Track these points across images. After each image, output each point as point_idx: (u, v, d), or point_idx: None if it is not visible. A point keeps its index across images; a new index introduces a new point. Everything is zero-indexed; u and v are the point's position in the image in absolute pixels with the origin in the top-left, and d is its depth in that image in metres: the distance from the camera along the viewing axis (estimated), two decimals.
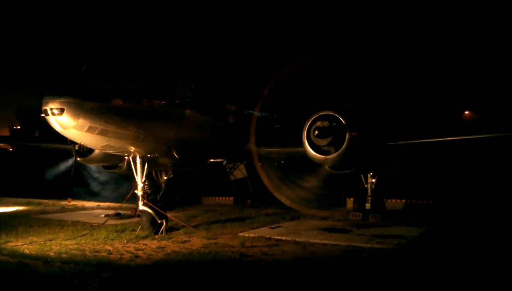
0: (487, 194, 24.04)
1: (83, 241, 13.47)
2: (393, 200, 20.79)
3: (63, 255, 11.61)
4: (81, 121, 11.74)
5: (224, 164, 21.49)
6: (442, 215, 18.06)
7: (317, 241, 13.33)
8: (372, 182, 17.60)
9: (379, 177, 17.55)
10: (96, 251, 12.08)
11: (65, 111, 11.49)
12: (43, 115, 11.89)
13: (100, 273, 9.51)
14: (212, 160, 18.78)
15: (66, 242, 13.42)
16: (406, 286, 8.85)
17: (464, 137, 16.06)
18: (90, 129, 12.02)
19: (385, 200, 19.13)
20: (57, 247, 12.63)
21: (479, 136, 16.06)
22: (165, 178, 20.62)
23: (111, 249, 12.34)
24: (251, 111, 16.89)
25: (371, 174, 17.56)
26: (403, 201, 20.97)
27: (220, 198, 24.44)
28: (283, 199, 17.49)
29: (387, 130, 16.61)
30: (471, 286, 8.75)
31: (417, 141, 16.47)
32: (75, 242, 13.42)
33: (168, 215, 15.27)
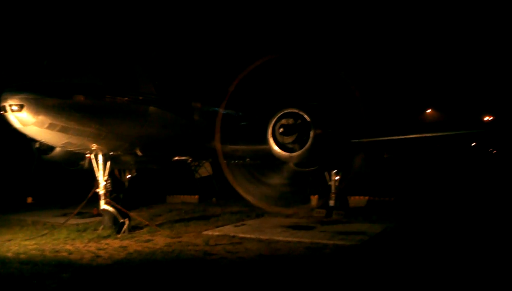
0: (447, 190, 24.73)
1: (43, 241, 13.17)
2: (357, 197, 21.06)
3: (22, 256, 11.33)
4: (41, 118, 11.46)
5: (189, 161, 21.31)
6: (404, 212, 18.40)
7: (281, 238, 13.38)
8: (336, 179, 17.79)
9: (343, 174, 17.76)
10: (56, 251, 11.82)
11: (24, 108, 11.21)
12: (1, 112, 11.52)
13: (60, 274, 9.32)
14: (176, 158, 18.59)
15: (25, 242, 13.10)
16: (367, 281, 8.98)
17: (424, 135, 16.42)
18: (50, 127, 11.73)
19: (348, 197, 19.35)
20: (16, 247, 12.32)
21: (438, 134, 16.45)
22: (128, 176, 20.30)
23: (72, 249, 12.10)
24: (217, 109, 16.80)
25: (335, 171, 17.75)
26: (366, 198, 21.27)
27: (185, 196, 24.23)
28: (248, 197, 17.48)
29: (350, 128, 16.80)
30: (429, 280, 8.94)
31: (380, 139, 16.74)
32: (34, 242, 13.11)
33: (131, 214, 15.07)
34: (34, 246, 12.46)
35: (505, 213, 17.48)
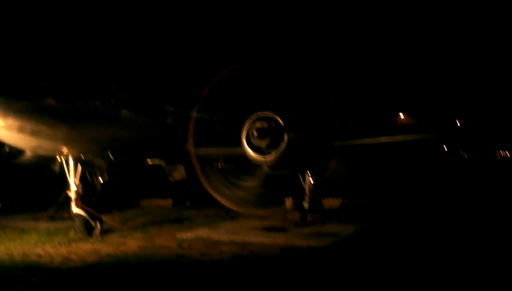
0: (418, 193, 25.13)
1: (12, 246, 12.91)
2: (330, 199, 21.24)
3: None
4: (10, 121, 11.27)
5: (162, 165, 21.19)
6: (376, 214, 18.63)
7: (255, 240, 13.40)
8: (310, 182, 17.91)
9: (317, 177, 17.89)
10: (26, 255, 11.62)
11: None
12: None
13: (29, 277, 9.15)
14: (150, 161, 18.48)
15: None
16: (338, 280, 9.08)
17: (395, 139, 16.70)
18: (20, 130, 11.54)
19: (322, 199, 19.50)
20: None
21: (409, 137, 16.75)
22: (101, 179, 20.07)
23: (42, 253, 11.90)
24: (190, 112, 16.74)
25: (309, 174, 17.86)
26: (340, 200, 21.46)
27: (159, 200, 24.06)
28: (222, 200, 17.44)
29: (324, 131, 16.94)
30: (398, 279, 9.08)
31: (352, 142, 16.94)
32: (3, 246, 12.84)
33: (104, 217, 14.90)
34: (3, 250, 12.22)
35: (472, 212, 17.85)
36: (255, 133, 14.66)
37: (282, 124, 14.69)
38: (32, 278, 9.09)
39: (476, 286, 8.66)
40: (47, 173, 17.59)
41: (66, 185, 14.37)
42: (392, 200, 23.06)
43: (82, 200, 14.31)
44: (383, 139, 16.96)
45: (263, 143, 14.76)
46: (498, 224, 15.20)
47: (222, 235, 14.24)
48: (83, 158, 14.40)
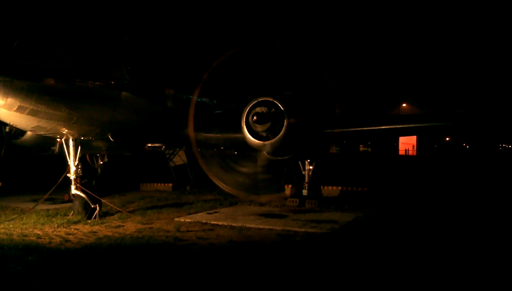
0: (419, 182, 25.15)
1: (11, 226, 12.97)
2: (330, 187, 21.27)
3: None
4: (10, 100, 11.29)
5: (163, 149, 21.20)
6: (376, 202, 18.66)
7: (253, 225, 13.45)
8: (310, 169, 17.94)
9: (316, 164, 17.91)
10: (24, 236, 11.66)
11: None
12: None
13: (26, 257, 9.20)
14: (150, 145, 18.46)
15: None
16: (335, 266, 9.10)
17: (394, 126, 16.65)
18: (19, 109, 11.57)
19: (321, 187, 19.55)
20: None
21: (408, 125, 16.70)
22: (101, 162, 20.11)
23: (41, 234, 11.96)
24: (190, 96, 16.68)
25: (308, 160, 17.88)
26: (339, 188, 21.49)
27: (159, 184, 24.11)
28: (222, 185, 17.46)
29: (324, 118, 16.90)
30: (395, 265, 9.10)
31: (352, 129, 16.90)
32: (2, 226, 12.90)
33: (103, 200, 14.96)
34: (2, 230, 12.27)
35: (473, 202, 17.88)
36: (255, 118, 14.57)
37: (282, 109, 14.60)
38: (29, 257, 9.14)
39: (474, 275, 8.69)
40: (47, 154, 17.68)
41: (66, 166, 14.42)
42: (393, 188, 23.09)
43: (81, 182, 14.36)
44: (381, 127, 16.89)
45: (262, 129, 14.67)
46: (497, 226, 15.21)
47: (220, 220, 14.28)
48: (83, 139, 14.41)
